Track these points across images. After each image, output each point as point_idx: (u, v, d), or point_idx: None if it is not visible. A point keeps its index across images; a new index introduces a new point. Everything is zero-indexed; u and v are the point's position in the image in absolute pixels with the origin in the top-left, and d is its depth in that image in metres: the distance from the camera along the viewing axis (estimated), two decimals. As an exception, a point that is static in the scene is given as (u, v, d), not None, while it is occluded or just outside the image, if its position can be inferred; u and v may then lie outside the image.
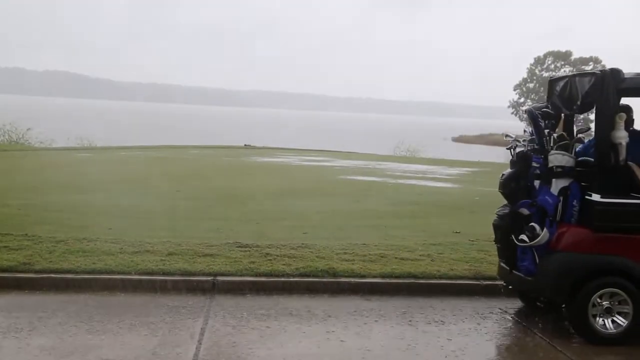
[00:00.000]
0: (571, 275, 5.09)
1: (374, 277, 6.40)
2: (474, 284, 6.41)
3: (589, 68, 72.25)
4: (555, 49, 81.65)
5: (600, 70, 5.13)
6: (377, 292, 6.23)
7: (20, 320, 5.14)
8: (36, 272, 6.10)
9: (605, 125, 5.06)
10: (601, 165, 5.09)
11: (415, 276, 6.45)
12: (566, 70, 76.04)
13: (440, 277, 6.46)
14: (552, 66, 78.36)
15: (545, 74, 78.67)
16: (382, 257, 6.99)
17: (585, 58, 76.00)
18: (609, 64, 75.46)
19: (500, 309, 5.98)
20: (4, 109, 55.43)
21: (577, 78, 5.44)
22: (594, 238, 5.10)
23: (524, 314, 5.90)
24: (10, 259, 6.30)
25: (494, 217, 5.78)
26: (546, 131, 5.53)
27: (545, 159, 5.34)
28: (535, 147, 5.48)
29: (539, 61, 79.33)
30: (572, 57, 77.20)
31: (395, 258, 6.96)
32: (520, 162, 5.55)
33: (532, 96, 78.65)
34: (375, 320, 5.49)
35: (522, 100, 79.97)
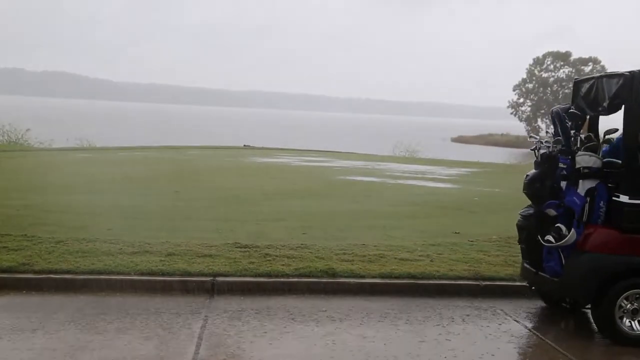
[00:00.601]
0: (598, 276, 5.08)
1: (373, 277, 6.40)
2: (473, 285, 6.41)
3: (588, 69, 72.31)
4: (555, 49, 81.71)
5: (629, 72, 5.09)
6: (377, 293, 6.24)
7: (19, 320, 5.14)
8: (35, 272, 6.10)
9: (633, 126, 5.04)
10: (629, 166, 5.08)
11: (414, 276, 6.45)
12: (565, 71, 76.10)
13: (440, 278, 6.46)
14: (552, 67, 78.43)
15: (545, 75, 78.79)
16: (381, 257, 6.99)
17: (585, 58, 76.08)
18: (608, 64, 75.52)
19: (499, 309, 5.98)
20: (3, 110, 55.40)
21: (604, 79, 5.42)
22: (621, 239, 5.10)
23: (524, 315, 5.90)
24: (10, 260, 6.30)
25: (518, 217, 5.78)
26: (572, 132, 5.53)
27: (573, 160, 5.34)
28: (561, 148, 5.47)
29: (538, 62, 79.41)
30: (572, 58, 77.26)
31: (395, 258, 6.96)
32: (546, 163, 5.53)
33: (532, 97, 78.77)
34: (375, 321, 5.50)
35: (521, 100, 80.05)
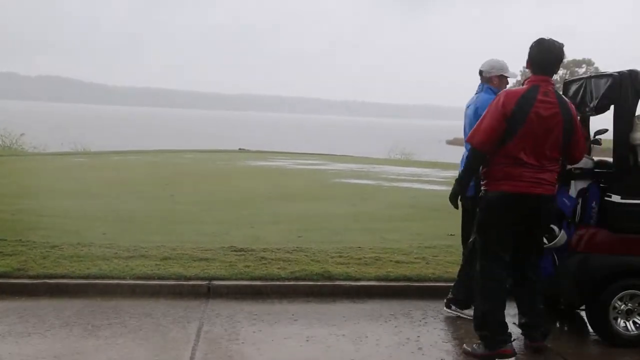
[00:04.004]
0: (591, 277, 5.08)
1: (369, 280, 6.40)
2: (468, 287, 6.41)
3: (582, 70, 72.65)
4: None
5: (618, 72, 5.10)
6: (373, 295, 6.23)
7: (14, 326, 5.12)
8: (30, 277, 6.07)
9: (623, 127, 5.07)
10: (620, 166, 5.10)
11: (410, 279, 6.45)
12: (559, 73, 76.50)
13: (435, 280, 6.47)
14: (545, 68, 78.48)
15: (539, 77, 78.92)
16: (377, 260, 6.99)
17: (578, 60, 76.41)
18: (602, 66, 76.01)
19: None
20: (-3, 114, 55.23)
21: (592, 80, 5.43)
22: (614, 239, 5.10)
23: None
24: (4, 265, 6.27)
25: None
26: None
27: None
28: None
29: (531, 64, 79.47)
30: (565, 60, 77.40)
31: (390, 261, 6.97)
32: None
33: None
34: (371, 324, 5.49)
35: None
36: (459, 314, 5.77)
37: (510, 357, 4.68)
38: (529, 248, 4.88)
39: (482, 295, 4.78)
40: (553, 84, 4.74)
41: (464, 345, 4.98)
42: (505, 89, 4.91)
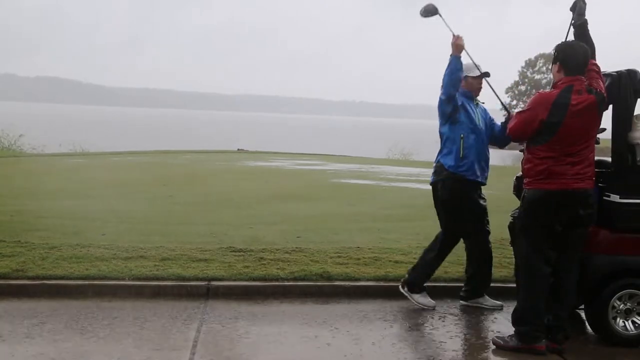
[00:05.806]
0: (590, 276, 5.09)
1: (368, 280, 6.40)
2: (467, 286, 6.40)
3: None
4: (547, 51, 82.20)
5: (617, 72, 5.12)
6: (372, 295, 6.24)
7: (12, 327, 5.12)
8: (29, 278, 6.07)
9: (622, 126, 5.07)
10: (619, 166, 5.11)
11: (409, 279, 6.45)
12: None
13: (434, 280, 6.44)
14: (544, 68, 78.73)
15: (537, 77, 79.09)
16: (376, 260, 6.99)
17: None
18: (603, 66, 75.78)
19: (494, 310, 5.98)
20: (-5, 115, 55.19)
21: None
22: (613, 239, 5.11)
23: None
24: (4, 266, 6.27)
25: (509, 218, 5.80)
26: None
27: None
28: None
29: (530, 63, 79.77)
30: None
31: (390, 261, 6.97)
32: None
33: (524, 99, 79.10)
34: (370, 324, 5.50)
35: (514, 102, 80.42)
36: (407, 295, 5.95)
37: (543, 353, 4.80)
38: (568, 245, 4.95)
39: (525, 291, 4.93)
40: (585, 82, 4.84)
41: (495, 337, 5.10)
42: (539, 92, 5.00)
